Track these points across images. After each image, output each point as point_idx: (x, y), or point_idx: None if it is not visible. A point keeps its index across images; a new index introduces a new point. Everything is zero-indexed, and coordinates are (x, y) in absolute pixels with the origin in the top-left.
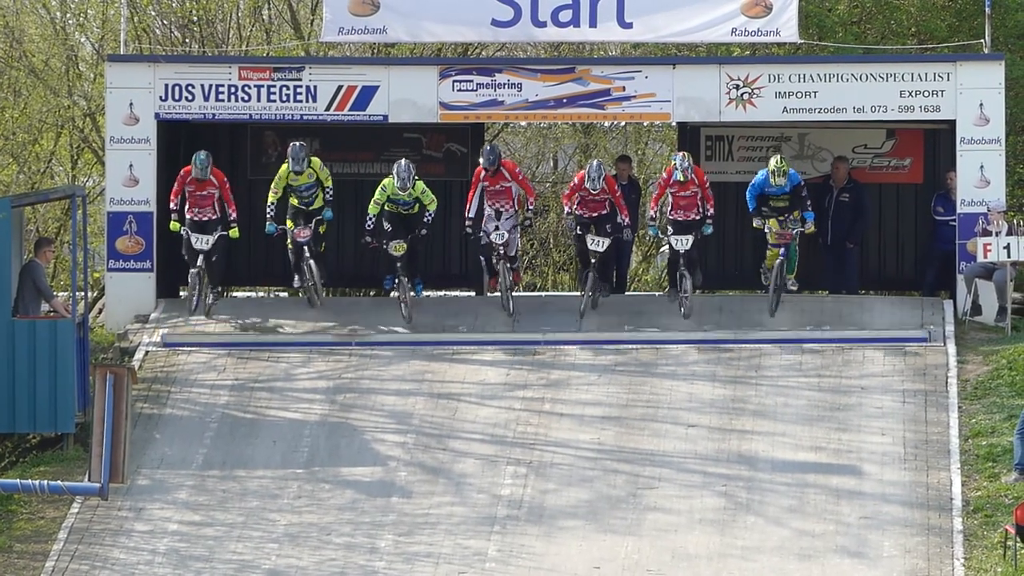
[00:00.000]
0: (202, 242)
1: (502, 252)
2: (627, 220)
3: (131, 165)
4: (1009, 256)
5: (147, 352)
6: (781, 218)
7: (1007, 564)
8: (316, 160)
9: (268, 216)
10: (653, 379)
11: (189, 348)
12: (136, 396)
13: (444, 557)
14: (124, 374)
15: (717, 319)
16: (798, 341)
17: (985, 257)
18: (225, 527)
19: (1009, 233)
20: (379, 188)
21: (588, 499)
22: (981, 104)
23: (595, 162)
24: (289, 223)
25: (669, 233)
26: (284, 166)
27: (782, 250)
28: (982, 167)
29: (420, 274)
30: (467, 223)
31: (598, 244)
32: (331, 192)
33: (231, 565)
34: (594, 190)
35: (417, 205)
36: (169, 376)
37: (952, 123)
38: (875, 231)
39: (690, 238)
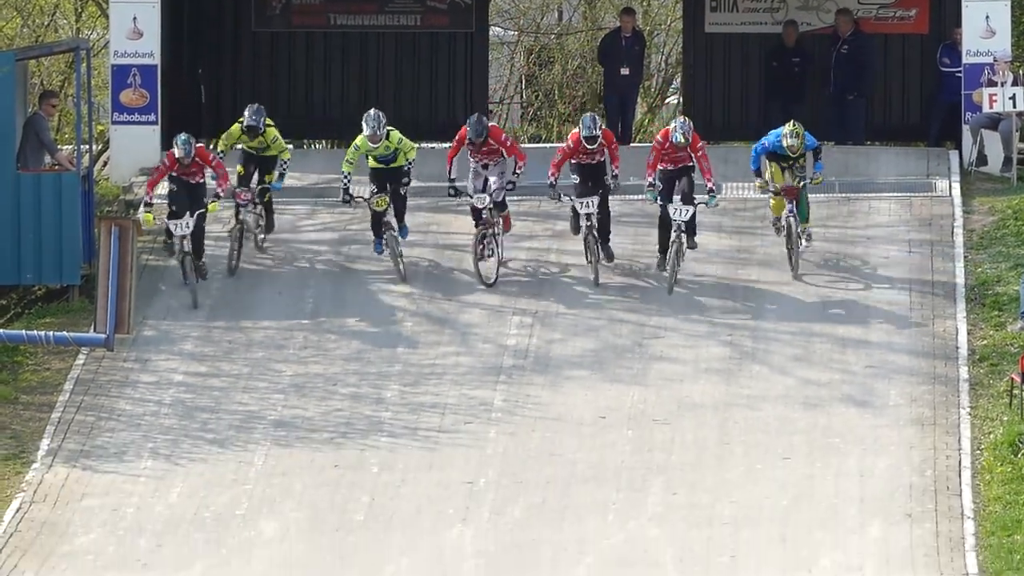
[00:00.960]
0: (182, 227)
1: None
2: (616, 170)
3: (135, 18)
4: (1015, 106)
5: (156, 201)
6: (785, 164)
7: (1012, 412)
8: (272, 131)
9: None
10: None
11: None
12: (141, 248)
13: (450, 407)
14: (129, 226)
15: (723, 170)
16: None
17: (991, 108)
18: (231, 378)
19: (1014, 83)
20: (351, 147)
21: (594, 348)
22: None
23: (588, 115)
24: (240, 168)
25: (661, 191)
26: (235, 125)
27: (790, 208)
28: (988, 17)
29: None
30: (450, 188)
31: (588, 206)
32: (284, 165)
33: (237, 416)
34: (592, 145)
35: (399, 156)
36: None
37: None
38: (881, 82)
39: (689, 209)
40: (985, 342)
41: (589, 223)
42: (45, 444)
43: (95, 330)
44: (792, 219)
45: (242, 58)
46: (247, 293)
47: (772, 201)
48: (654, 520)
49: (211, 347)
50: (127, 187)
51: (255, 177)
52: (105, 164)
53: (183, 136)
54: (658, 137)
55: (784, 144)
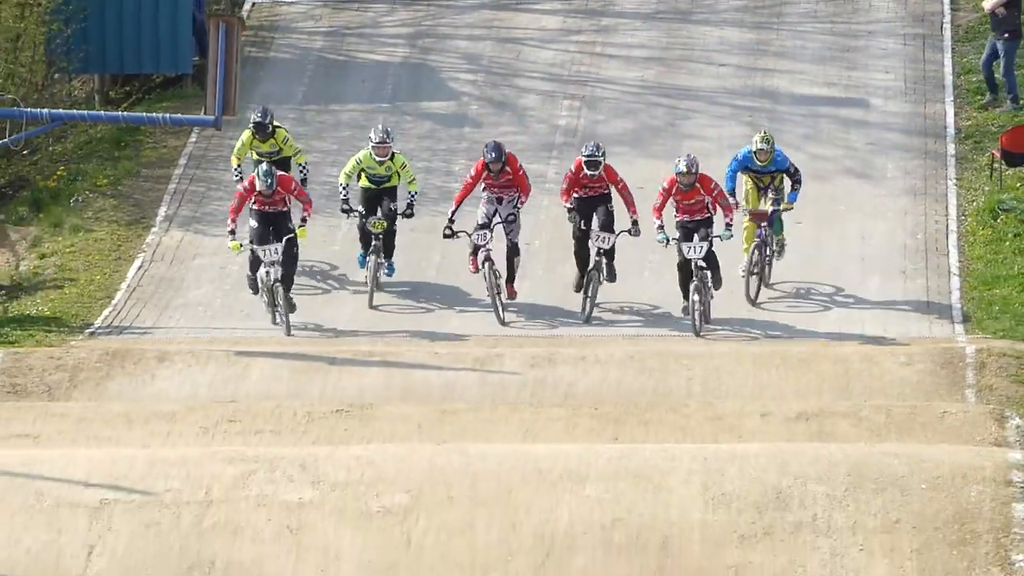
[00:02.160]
0: (270, 253)
1: (488, 250)
2: (635, 215)
3: None
4: None
5: (254, 3)
6: (762, 185)
7: (992, 183)
8: (282, 131)
9: (235, 178)
10: (689, 25)
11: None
12: (244, 41)
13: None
14: (235, 23)
15: None
16: None
17: None
18: (321, 153)
19: None
20: (352, 161)
21: (633, 128)
22: None
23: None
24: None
25: (678, 239)
26: (245, 132)
27: (760, 230)
28: None
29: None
30: (447, 227)
31: (604, 240)
32: (304, 169)
33: (327, 187)
34: (593, 175)
35: (393, 178)
36: (273, 24)
37: None
38: None
39: (704, 245)
40: (969, 123)
41: (598, 259)
42: (162, 211)
43: (205, 112)
44: (756, 253)
45: None
46: (336, 81)
47: (744, 229)
48: None
49: (304, 127)
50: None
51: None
52: None
53: (265, 166)
54: (664, 184)
55: (753, 151)
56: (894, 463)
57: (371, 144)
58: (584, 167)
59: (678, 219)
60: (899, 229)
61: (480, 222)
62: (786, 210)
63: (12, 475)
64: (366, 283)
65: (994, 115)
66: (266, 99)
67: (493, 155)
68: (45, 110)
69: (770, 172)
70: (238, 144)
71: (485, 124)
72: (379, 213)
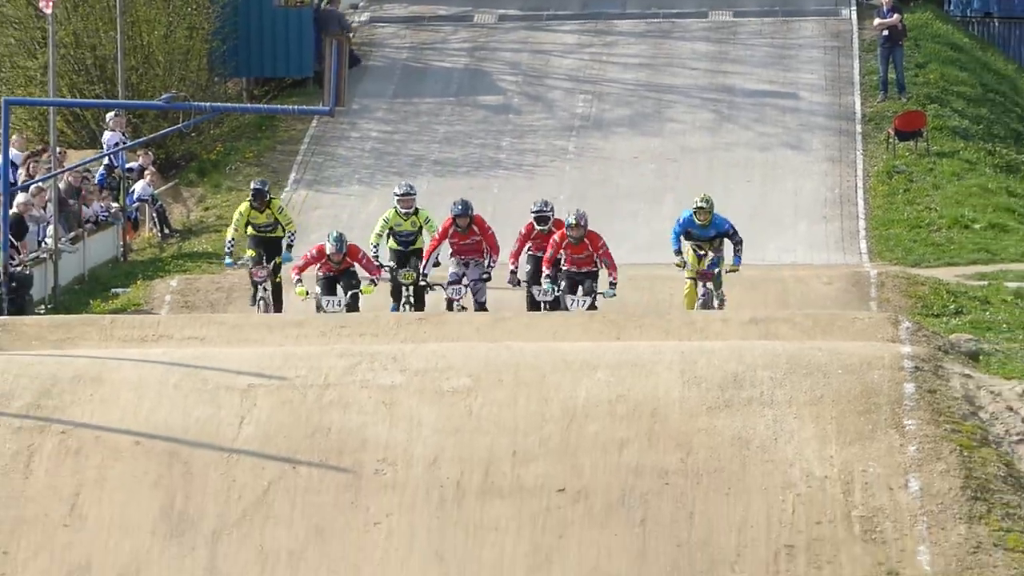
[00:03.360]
0: (334, 304)
1: (458, 303)
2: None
3: None
4: None
5: (356, 25)
6: (702, 252)
7: (888, 153)
8: (276, 201)
9: (226, 251)
10: (670, 40)
11: (383, 23)
12: (350, 52)
13: (541, 151)
14: (344, 40)
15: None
16: (759, 15)
17: None
18: (406, 133)
19: None
20: (380, 221)
21: (630, 114)
22: None
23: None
24: (251, 252)
25: (563, 290)
26: (243, 203)
27: (702, 290)
28: None
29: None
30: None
31: (582, 304)
32: (292, 236)
33: (410, 157)
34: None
35: (419, 237)
36: (371, 40)
37: None
38: None
39: (588, 300)
40: (872, 110)
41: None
42: (292, 176)
43: (323, 104)
44: (707, 295)
45: None
46: (416, 82)
47: (686, 292)
48: (667, 220)
49: (393, 115)
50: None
51: (264, 259)
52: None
53: (336, 233)
54: (555, 238)
55: (693, 211)
56: (819, 355)
57: (396, 198)
58: (535, 224)
59: (565, 268)
60: (821, 186)
61: (450, 279)
62: (731, 271)
63: (186, 366)
64: None
65: (888, 104)
66: (365, 95)
67: (459, 208)
68: (207, 104)
69: (710, 237)
70: (236, 216)
71: (524, 112)
72: (408, 267)
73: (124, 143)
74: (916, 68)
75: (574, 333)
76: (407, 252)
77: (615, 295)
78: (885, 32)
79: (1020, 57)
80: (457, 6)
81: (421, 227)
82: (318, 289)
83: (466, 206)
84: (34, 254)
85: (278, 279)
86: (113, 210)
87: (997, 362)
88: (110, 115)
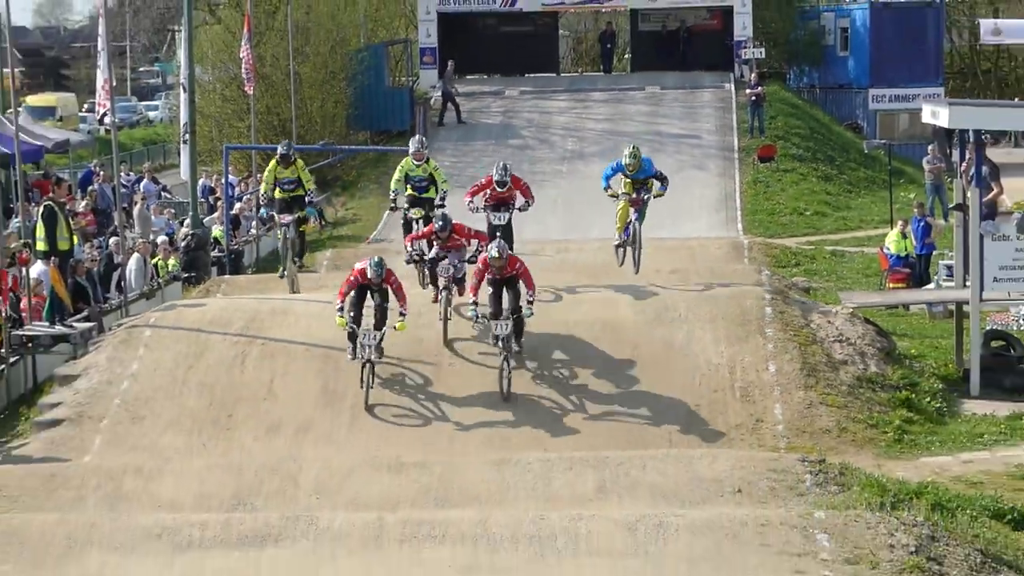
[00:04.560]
0: (369, 337)
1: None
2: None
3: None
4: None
5: (432, 99)
6: (637, 186)
7: (754, 170)
8: (300, 161)
9: (262, 203)
10: (622, 104)
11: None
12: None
13: (546, 172)
14: (425, 106)
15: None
16: (676, 88)
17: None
18: (464, 163)
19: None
20: (398, 168)
21: (599, 149)
22: None
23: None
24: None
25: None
26: (271, 162)
27: (634, 211)
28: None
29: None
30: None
31: (503, 328)
32: (311, 194)
33: (466, 176)
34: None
35: (432, 187)
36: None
37: None
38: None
39: (508, 324)
40: (744, 144)
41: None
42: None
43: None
44: (636, 224)
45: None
46: (470, 132)
47: (619, 210)
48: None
49: (457, 151)
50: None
51: (292, 209)
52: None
53: (376, 259)
54: (479, 264)
55: (624, 163)
56: (716, 290)
57: (410, 152)
58: (495, 185)
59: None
60: (715, 191)
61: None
62: (657, 196)
63: (323, 303)
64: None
65: (753, 141)
66: (439, 139)
67: (440, 224)
68: (347, 146)
69: (640, 178)
70: (265, 172)
71: (535, 149)
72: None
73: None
74: (770, 119)
75: (569, 277)
76: (421, 197)
77: (532, 315)
78: (753, 97)
79: (832, 111)
80: (494, 86)
81: (431, 173)
82: (351, 313)
83: (446, 221)
84: (244, 238)
85: (302, 229)
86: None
87: (820, 295)
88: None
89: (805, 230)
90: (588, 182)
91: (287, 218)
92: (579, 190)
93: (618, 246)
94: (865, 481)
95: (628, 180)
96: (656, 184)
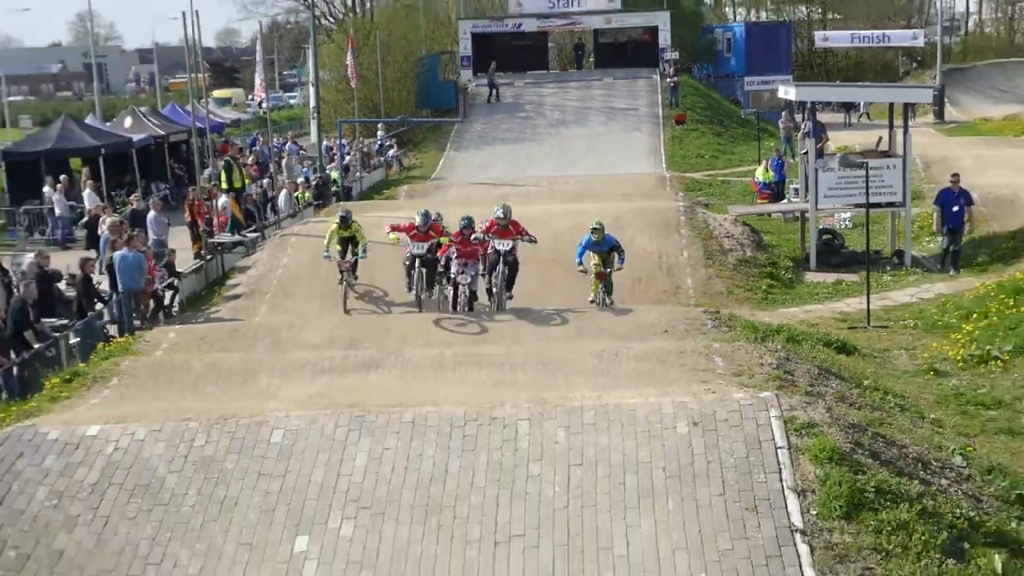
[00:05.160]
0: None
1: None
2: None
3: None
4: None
5: (471, 87)
6: (603, 258)
7: (673, 129)
8: (355, 223)
9: (325, 254)
10: (590, 89)
11: (480, 87)
12: (496, 94)
13: (540, 135)
14: (467, 92)
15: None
16: (624, 78)
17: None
18: (489, 128)
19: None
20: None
21: (575, 119)
22: None
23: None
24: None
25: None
26: (332, 225)
27: (601, 286)
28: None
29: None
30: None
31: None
32: (365, 247)
33: (491, 138)
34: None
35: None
36: (477, 92)
37: None
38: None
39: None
40: (666, 114)
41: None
42: (448, 145)
43: (459, 118)
44: (602, 295)
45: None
46: (493, 109)
47: (592, 282)
48: (595, 160)
49: (485, 122)
50: (465, 86)
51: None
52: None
53: (424, 210)
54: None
55: (590, 234)
56: (648, 205)
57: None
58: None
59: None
60: (648, 144)
61: (458, 270)
62: (618, 270)
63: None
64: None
65: (672, 111)
66: (473, 114)
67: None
68: (415, 119)
69: (604, 251)
70: (328, 232)
71: (534, 118)
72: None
73: (385, 135)
74: (683, 98)
75: (557, 200)
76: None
77: (535, 241)
78: (671, 84)
79: (721, 91)
80: (507, 79)
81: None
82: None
83: (448, 222)
84: (352, 179)
85: (355, 263)
86: (380, 160)
87: (714, 208)
88: (380, 126)
89: (705, 168)
90: (568, 141)
91: (346, 265)
92: (562, 145)
93: (592, 301)
94: (744, 324)
95: (595, 253)
96: (616, 259)
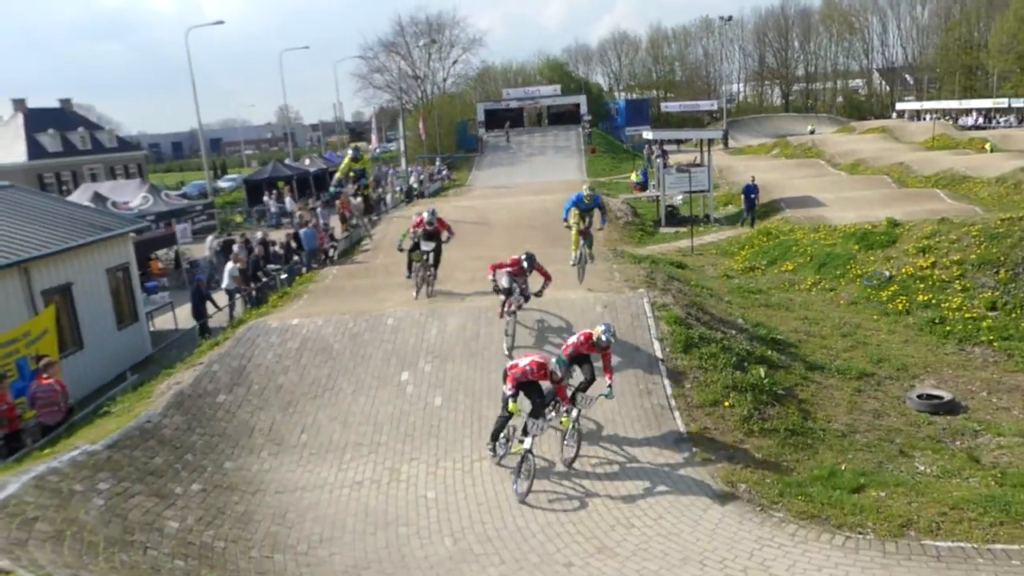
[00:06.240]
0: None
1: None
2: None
3: None
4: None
5: (486, 136)
6: (587, 216)
7: (590, 157)
8: (366, 156)
9: (333, 185)
10: (547, 137)
11: (492, 136)
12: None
13: (523, 161)
14: (483, 141)
15: None
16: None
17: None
18: (499, 159)
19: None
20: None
21: (541, 148)
22: None
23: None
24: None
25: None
26: (347, 159)
27: (583, 242)
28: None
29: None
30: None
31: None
32: (367, 175)
33: (499, 166)
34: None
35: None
36: (487, 145)
37: None
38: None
39: (591, 397)
40: (586, 148)
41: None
42: (473, 171)
43: (479, 154)
44: (584, 249)
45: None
46: (501, 150)
47: (573, 237)
48: (558, 161)
49: (497, 156)
50: (482, 137)
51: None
52: (477, 132)
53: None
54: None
55: (583, 195)
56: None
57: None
58: (426, 224)
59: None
60: (576, 163)
61: (505, 286)
62: (599, 230)
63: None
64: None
65: (588, 147)
66: (487, 151)
67: (526, 259)
68: (454, 154)
69: (589, 208)
70: (342, 165)
71: (517, 152)
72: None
73: (440, 164)
74: (593, 140)
75: (528, 193)
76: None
77: (612, 397)
78: (587, 133)
79: (614, 136)
80: (503, 132)
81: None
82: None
83: (530, 259)
84: (422, 188)
85: (367, 195)
86: (439, 177)
87: (613, 195)
88: (437, 160)
89: (606, 175)
90: (535, 163)
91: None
92: (531, 165)
93: (573, 264)
94: (629, 255)
95: (578, 211)
96: (599, 218)
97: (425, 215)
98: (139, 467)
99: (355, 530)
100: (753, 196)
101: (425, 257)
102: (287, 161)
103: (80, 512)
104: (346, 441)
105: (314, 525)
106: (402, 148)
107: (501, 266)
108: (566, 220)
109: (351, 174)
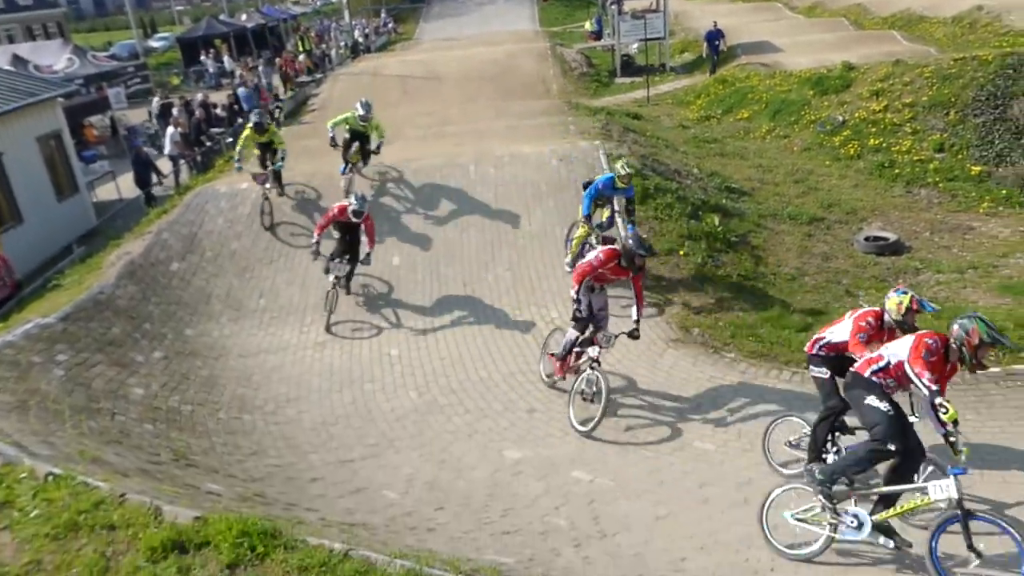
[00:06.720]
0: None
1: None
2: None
3: None
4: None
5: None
6: (602, 204)
7: (543, 9)
8: (272, 127)
9: (236, 161)
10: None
11: None
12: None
13: (471, 11)
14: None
15: None
16: None
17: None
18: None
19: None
20: (341, 117)
21: (492, 8)
22: None
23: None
24: (258, 154)
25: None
26: (246, 128)
27: (628, 224)
28: None
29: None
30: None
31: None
32: (283, 153)
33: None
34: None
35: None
36: None
37: None
38: None
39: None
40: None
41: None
42: (421, 20)
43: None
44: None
45: None
46: (448, 5)
47: (577, 237)
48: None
49: (444, 8)
50: None
51: (267, 163)
52: None
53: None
54: None
55: (617, 175)
56: (529, 45)
57: (357, 113)
58: (351, 215)
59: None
60: (528, 13)
61: (588, 310)
62: (631, 223)
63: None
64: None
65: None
66: (434, 4)
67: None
68: (401, 5)
69: (624, 195)
70: (241, 138)
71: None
72: (354, 148)
73: (387, 16)
74: None
75: (479, 45)
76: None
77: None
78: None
79: None
80: None
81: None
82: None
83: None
84: (369, 43)
85: (277, 173)
86: (384, 30)
87: (566, 45)
88: (383, 12)
89: (559, 25)
90: (485, 13)
91: (261, 177)
92: (481, 15)
93: (568, 272)
94: (584, 107)
95: (604, 204)
96: (626, 224)
97: (353, 203)
98: (96, 338)
99: (321, 389)
100: (717, 42)
101: (338, 259)
102: (222, 17)
103: (41, 383)
104: (306, 304)
105: (280, 386)
106: (346, 0)
107: (589, 271)
108: (587, 218)
109: (256, 151)
